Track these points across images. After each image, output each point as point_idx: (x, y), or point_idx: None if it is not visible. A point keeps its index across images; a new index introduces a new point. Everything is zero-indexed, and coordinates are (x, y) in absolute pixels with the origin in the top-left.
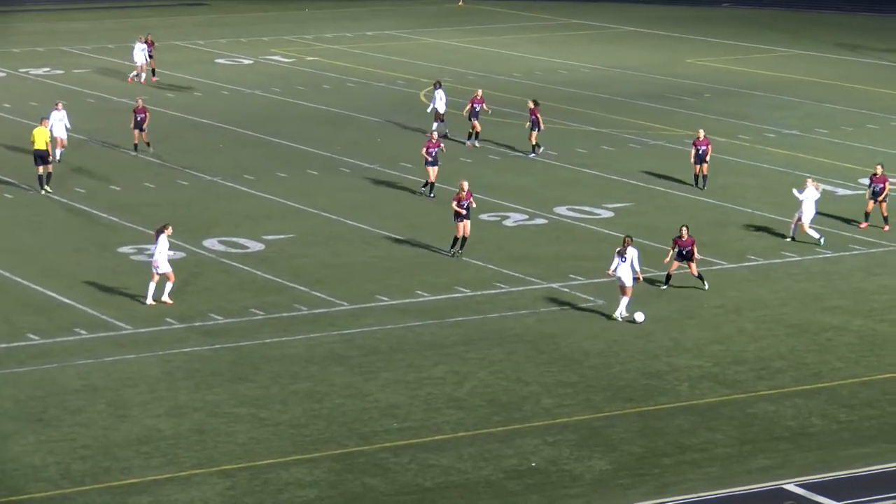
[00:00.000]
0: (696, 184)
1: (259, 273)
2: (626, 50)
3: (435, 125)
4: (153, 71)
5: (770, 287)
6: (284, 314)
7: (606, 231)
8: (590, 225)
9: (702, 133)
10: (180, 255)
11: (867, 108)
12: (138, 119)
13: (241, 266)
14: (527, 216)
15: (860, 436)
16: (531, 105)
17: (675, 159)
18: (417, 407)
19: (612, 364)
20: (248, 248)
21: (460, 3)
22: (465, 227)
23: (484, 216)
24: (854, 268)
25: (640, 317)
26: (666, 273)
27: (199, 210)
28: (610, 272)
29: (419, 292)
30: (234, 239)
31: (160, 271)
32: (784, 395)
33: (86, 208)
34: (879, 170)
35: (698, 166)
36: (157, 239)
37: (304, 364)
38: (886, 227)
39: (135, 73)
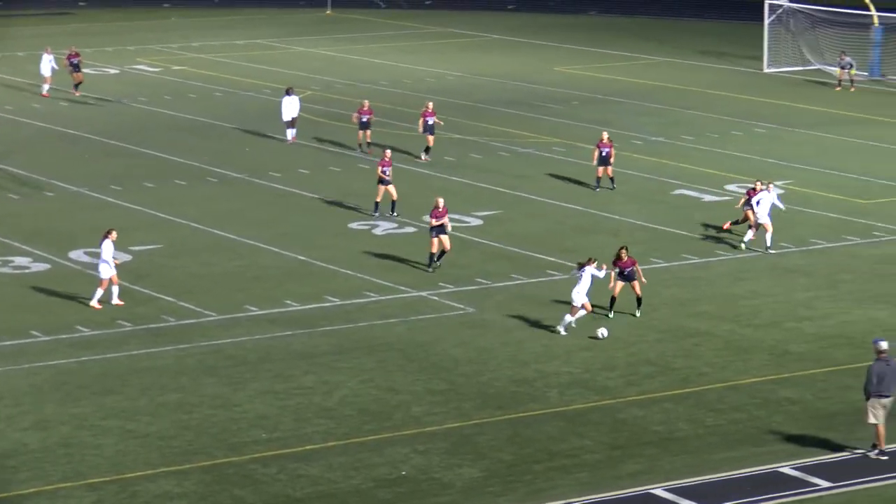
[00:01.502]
0: (598, 186)
1: (126, 284)
2: (494, 58)
3: (288, 132)
4: (77, 85)
5: None
6: (152, 325)
7: (476, 239)
8: (459, 233)
9: (605, 135)
10: (45, 266)
11: (731, 115)
12: None
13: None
14: (396, 225)
15: (727, 440)
16: (366, 106)
17: (544, 167)
18: (287, 417)
19: (481, 371)
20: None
21: (328, 13)
22: (440, 241)
23: (354, 225)
24: (721, 273)
25: (602, 332)
26: (610, 296)
27: (65, 221)
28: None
29: (288, 302)
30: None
31: (102, 276)
32: (653, 400)
33: None
34: (759, 185)
35: (601, 168)
36: (101, 244)
37: (172, 375)
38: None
39: (46, 86)
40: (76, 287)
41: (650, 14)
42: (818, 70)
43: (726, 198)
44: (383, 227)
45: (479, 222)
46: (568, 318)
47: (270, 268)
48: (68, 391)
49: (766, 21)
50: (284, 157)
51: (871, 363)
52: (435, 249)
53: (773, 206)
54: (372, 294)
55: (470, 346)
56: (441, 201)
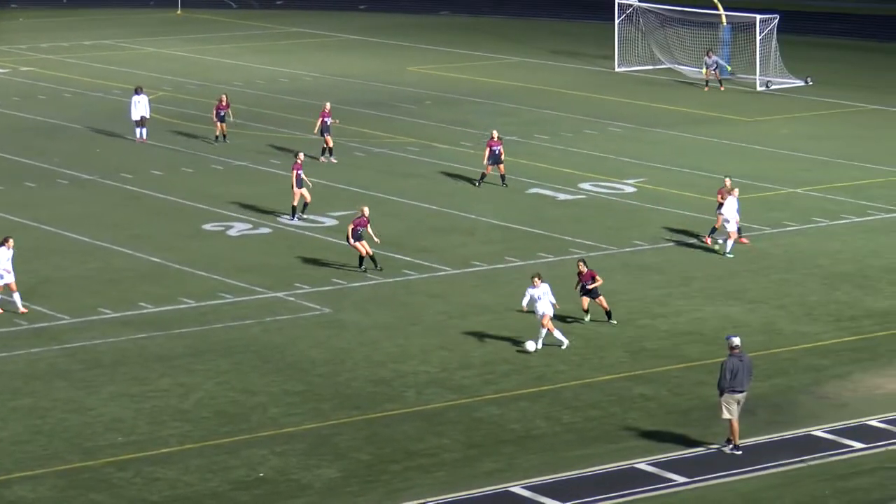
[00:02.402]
0: (481, 182)
1: None
2: (347, 58)
3: (137, 131)
4: None
5: (494, 292)
6: (3, 329)
7: (332, 239)
8: (315, 234)
9: (495, 134)
10: None
11: (585, 114)
12: None
13: None
14: (251, 225)
15: (584, 437)
16: (224, 101)
17: (399, 166)
18: (142, 420)
19: (338, 372)
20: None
21: (178, 13)
22: (364, 245)
23: (207, 226)
24: (574, 272)
25: (530, 346)
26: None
27: None
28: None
29: (142, 304)
30: None
31: (2, 282)
32: (509, 398)
33: None
34: (728, 182)
35: (491, 166)
36: None
37: (24, 380)
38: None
39: None
40: None
41: (502, 14)
42: (669, 69)
43: (581, 196)
44: (238, 229)
45: (334, 222)
46: (543, 331)
47: (124, 270)
48: None
49: (617, 20)
50: (136, 158)
51: (724, 359)
52: (363, 252)
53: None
54: (227, 295)
55: (326, 346)
56: (367, 210)
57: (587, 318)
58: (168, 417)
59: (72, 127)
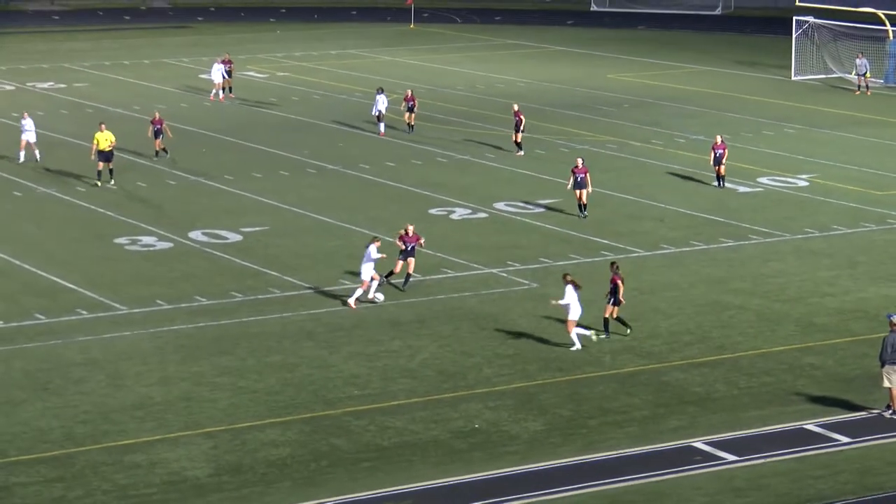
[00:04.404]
0: (721, 184)
1: (238, 261)
2: (555, 66)
3: (381, 126)
4: (230, 88)
5: (680, 271)
6: (260, 296)
7: (539, 223)
8: (524, 218)
9: (719, 138)
10: (168, 244)
11: (763, 117)
12: (155, 129)
13: (222, 255)
14: (470, 210)
15: (759, 400)
16: (409, 94)
17: (598, 160)
18: (376, 376)
19: (544, 338)
20: (228, 238)
21: (412, 27)
22: (409, 264)
23: (433, 211)
24: (752, 255)
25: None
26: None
27: (185, 206)
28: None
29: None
30: (216, 231)
31: (363, 277)
32: (692, 364)
33: (85, 204)
34: None
35: (717, 167)
36: (367, 248)
37: (277, 339)
38: None
39: (214, 90)
40: (195, 262)
41: (692, 28)
42: (839, 78)
43: (759, 189)
44: (459, 213)
45: (540, 210)
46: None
47: (361, 247)
48: (187, 352)
49: (794, 35)
50: (373, 151)
51: (885, 335)
52: (397, 270)
53: None
54: (449, 271)
55: (533, 316)
56: (411, 228)
57: (628, 331)
58: (397, 374)
59: (319, 124)
